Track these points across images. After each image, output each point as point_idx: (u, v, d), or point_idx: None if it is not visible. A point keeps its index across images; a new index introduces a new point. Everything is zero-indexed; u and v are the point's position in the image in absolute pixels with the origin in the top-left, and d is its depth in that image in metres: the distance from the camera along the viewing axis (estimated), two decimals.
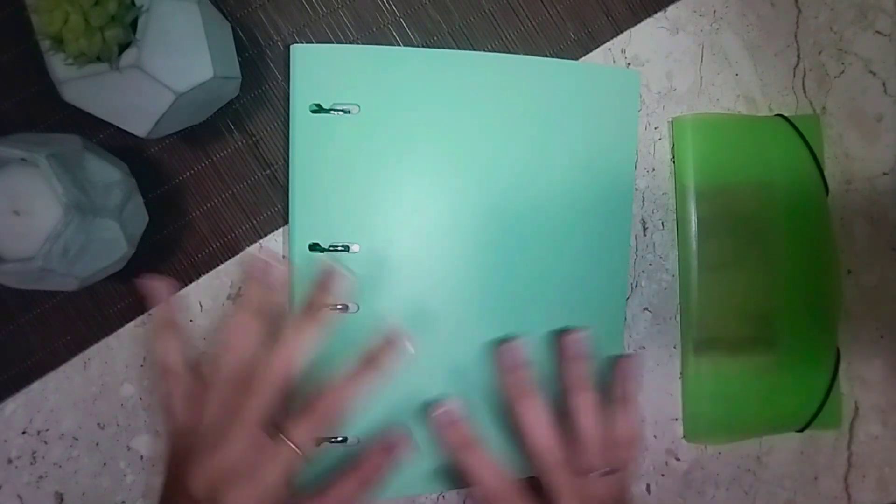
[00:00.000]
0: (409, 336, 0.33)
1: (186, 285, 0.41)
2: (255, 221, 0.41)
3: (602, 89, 0.43)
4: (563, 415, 0.34)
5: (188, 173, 0.41)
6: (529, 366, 0.33)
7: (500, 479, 0.32)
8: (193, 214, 0.41)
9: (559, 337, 0.34)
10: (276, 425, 0.29)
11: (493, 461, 0.32)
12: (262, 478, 0.28)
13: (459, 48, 0.43)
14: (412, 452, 0.35)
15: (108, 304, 0.40)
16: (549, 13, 0.44)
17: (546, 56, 0.44)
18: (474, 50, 0.43)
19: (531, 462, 0.33)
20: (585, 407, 0.33)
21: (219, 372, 0.31)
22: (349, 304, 0.39)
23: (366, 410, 0.39)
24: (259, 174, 0.41)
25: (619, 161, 0.44)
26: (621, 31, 0.45)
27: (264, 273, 0.33)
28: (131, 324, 0.40)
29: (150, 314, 0.40)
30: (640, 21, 0.45)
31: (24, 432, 0.40)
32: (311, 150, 0.38)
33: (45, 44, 0.30)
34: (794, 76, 0.47)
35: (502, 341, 0.34)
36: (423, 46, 0.43)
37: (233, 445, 0.28)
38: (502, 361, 0.33)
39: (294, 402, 0.30)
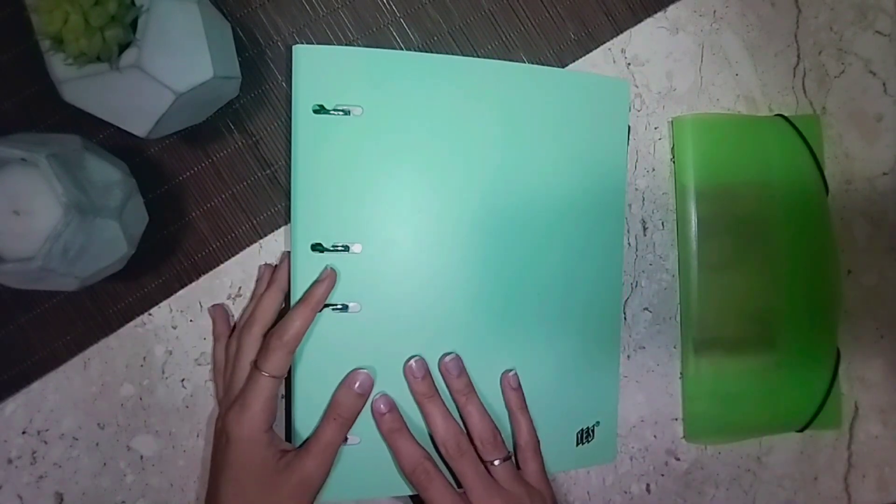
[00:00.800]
0: (333, 271, 0.38)
1: (186, 285, 0.41)
2: (255, 221, 0.41)
3: (593, 97, 0.43)
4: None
5: (188, 173, 0.41)
6: (429, 375, 0.39)
7: (421, 455, 0.38)
8: (193, 214, 0.41)
9: (439, 362, 0.40)
10: (255, 359, 0.36)
11: (415, 442, 0.38)
12: (245, 400, 0.35)
13: (459, 48, 0.43)
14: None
15: (108, 304, 0.40)
16: (549, 13, 0.44)
17: (546, 56, 0.44)
18: (474, 50, 0.43)
19: (439, 451, 0.39)
20: (471, 410, 0.39)
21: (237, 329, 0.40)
22: (350, 304, 0.39)
23: (366, 410, 0.39)
24: (259, 174, 0.41)
25: (612, 166, 0.44)
26: (621, 31, 0.45)
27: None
28: (131, 324, 0.40)
29: (149, 314, 0.41)
30: (640, 21, 0.45)
31: (24, 432, 0.40)
32: (314, 150, 0.38)
33: (45, 44, 0.30)
34: (794, 76, 0.47)
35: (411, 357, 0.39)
36: (423, 46, 0.43)
37: (234, 381, 0.37)
38: (408, 372, 0.39)
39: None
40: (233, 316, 0.41)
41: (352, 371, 0.38)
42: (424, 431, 0.40)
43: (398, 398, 0.40)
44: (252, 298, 0.41)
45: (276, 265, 0.41)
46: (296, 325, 0.36)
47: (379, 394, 0.39)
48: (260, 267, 0.42)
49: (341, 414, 0.37)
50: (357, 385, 0.38)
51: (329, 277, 0.38)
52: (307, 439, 0.37)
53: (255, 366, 0.36)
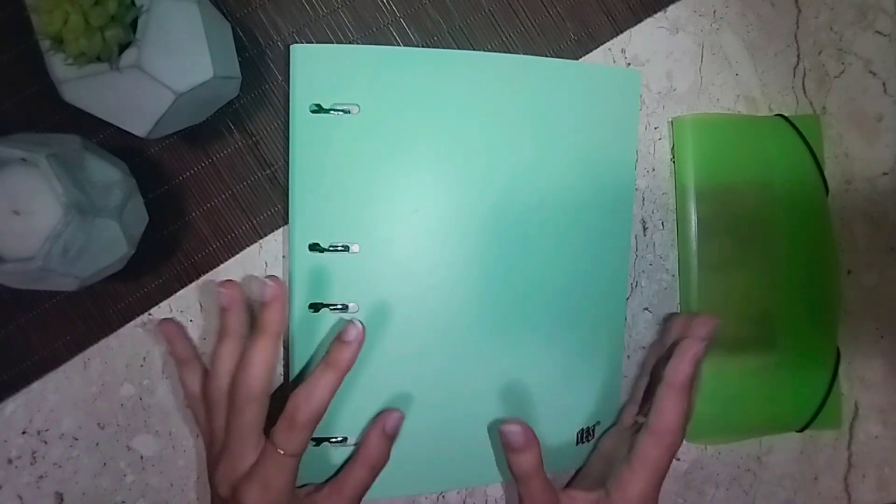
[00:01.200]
0: (356, 324, 0.34)
1: (186, 285, 0.41)
2: (255, 221, 0.41)
3: (602, 89, 0.43)
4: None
5: (188, 173, 0.41)
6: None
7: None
8: (193, 214, 0.41)
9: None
10: (274, 437, 0.32)
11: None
12: (267, 481, 0.31)
13: (459, 48, 0.43)
14: (392, 451, 0.37)
15: (108, 304, 0.40)
16: (549, 13, 0.44)
17: (546, 56, 0.44)
18: (474, 50, 0.43)
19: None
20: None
21: (210, 396, 0.35)
22: (349, 304, 0.39)
23: (366, 410, 0.39)
24: (259, 174, 0.41)
25: (620, 161, 0.44)
26: (621, 31, 0.45)
27: (231, 298, 0.35)
28: (131, 324, 0.40)
29: (149, 314, 0.41)
30: (640, 21, 0.45)
31: (24, 432, 0.40)
32: (311, 150, 0.38)
33: (45, 44, 0.30)
34: (794, 76, 0.47)
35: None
36: (423, 46, 0.43)
37: (238, 456, 0.33)
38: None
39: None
40: (186, 329, 0.40)
41: (386, 410, 0.37)
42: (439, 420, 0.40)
43: (398, 398, 0.40)
44: (225, 334, 0.35)
45: (257, 292, 0.36)
46: (324, 397, 0.32)
47: (511, 423, 0.35)
48: (220, 289, 0.36)
49: (373, 462, 0.35)
50: (388, 428, 0.36)
51: (357, 338, 0.33)
52: (335, 481, 0.36)
53: (273, 441, 0.32)
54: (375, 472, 0.36)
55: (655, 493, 0.36)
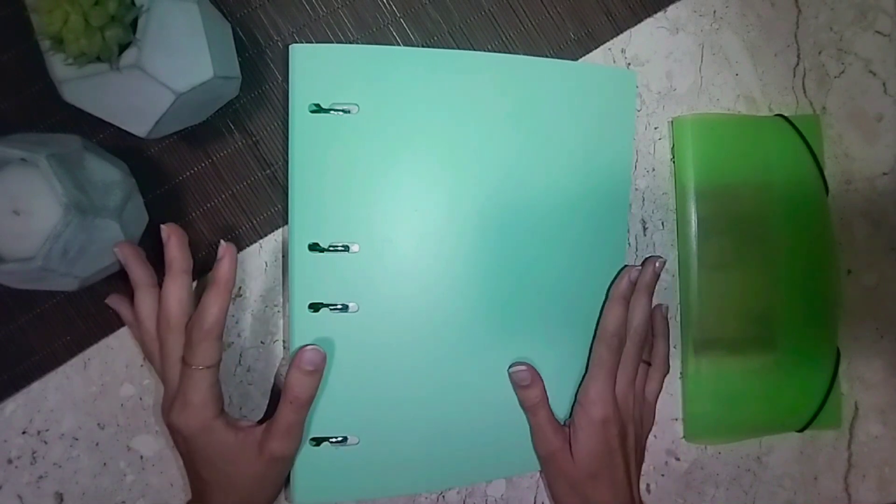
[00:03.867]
0: (230, 244, 0.36)
1: None
2: (255, 221, 0.41)
3: (599, 89, 0.43)
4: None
5: (188, 173, 0.41)
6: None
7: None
8: (193, 214, 0.41)
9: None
10: (183, 356, 0.35)
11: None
12: (186, 398, 0.35)
13: (459, 48, 0.43)
14: (392, 451, 0.39)
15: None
16: (549, 13, 0.44)
17: (546, 56, 0.44)
18: (474, 50, 0.43)
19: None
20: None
21: (147, 326, 0.37)
22: (349, 304, 0.39)
23: (366, 410, 0.39)
24: (259, 174, 0.41)
25: (617, 160, 0.44)
26: (621, 31, 0.45)
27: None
28: None
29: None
30: (640, 21, 0.45)
31: (24, 432, 0.40)
32: (311, 149, 0.38)
33: (45, 44, 0.30)
34: (794, 76, 0.47)
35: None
36: (423, 46, 0.43)
37: (169, 384, 0.36)
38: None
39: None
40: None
41: (299, 349, 0.37)
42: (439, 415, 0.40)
43: (399, 397, 0.40)
44: (142, 284, 0.37)
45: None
46: (213, 312, 0.34)
47: (518, 364, 0.41)
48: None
49: (296, 396, 0.36)
50: (305, 362, 0.36)
51: (228, 253, 0.36)
52: (268, 421, 0.37)
53: (185, 362, 0.35)
54: (301, 406, 0.37)
55: (612, 391, 0.41)
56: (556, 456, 0.41)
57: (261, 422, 0.37)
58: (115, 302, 0.38)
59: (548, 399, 0.41)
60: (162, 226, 0.36)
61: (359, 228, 0.39)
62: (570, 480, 0.41)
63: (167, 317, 0.35)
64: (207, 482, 0.36)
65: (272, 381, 0.42)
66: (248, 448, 0.36)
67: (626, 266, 0.43)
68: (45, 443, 0.40)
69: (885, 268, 0.49)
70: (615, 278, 0.43)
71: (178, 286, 0.36)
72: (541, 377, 0.41)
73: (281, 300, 0.42)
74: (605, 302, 0.43)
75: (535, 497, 0.45)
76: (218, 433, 0.35)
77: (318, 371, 0.37)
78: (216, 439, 0.35)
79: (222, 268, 0.35)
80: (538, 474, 0.45)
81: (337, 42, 0.42)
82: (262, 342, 0.42)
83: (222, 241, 0.36)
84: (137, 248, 0.37)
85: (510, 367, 0.42)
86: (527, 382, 0.41)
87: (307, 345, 0.37)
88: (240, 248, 0.41)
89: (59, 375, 0.40)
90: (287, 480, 0.39)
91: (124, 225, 0.34)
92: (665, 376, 0.44)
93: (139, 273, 0.37)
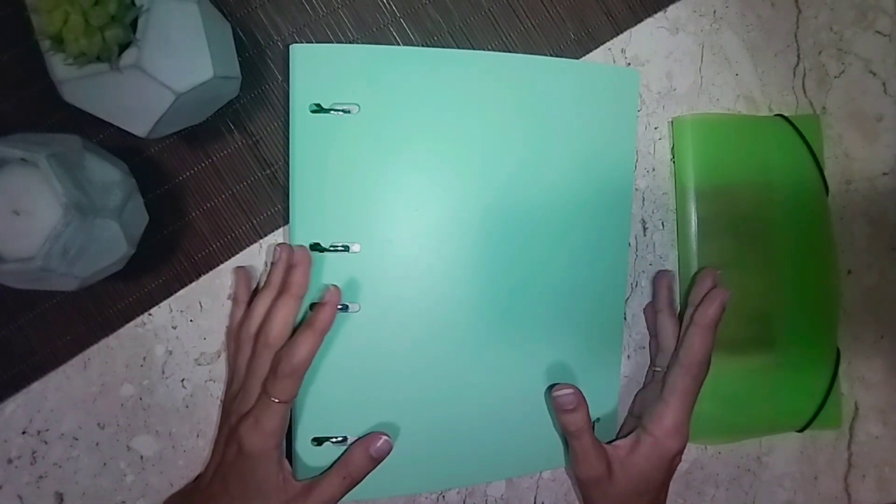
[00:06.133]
0: (337, 289, 0.37)
1: (186, 285, 0.41)
2: (255, 221, 0.41)
3: (601, 88, 0.43)
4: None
5: (188, 173, 0.41)
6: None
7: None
8: (193, 214, 0.41)
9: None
10: (265, 383, 0.36)
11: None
12: (259, 420, 0.35)
13: (459, 48, 0.43)
14: (392, 451, 0.39)
15: (108, 304, 0.40)
16: (549, 13, 0.44)
17: (546, 56, 0.44)
18: (474, 50, 0.43)
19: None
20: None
21: (240, 336, 0.38)
22: (350, 304, 0.39)
23: (366, 410, 0.39)
24: (259, 174, 0.41)
25: (619, 159, 0.44)
26: (621, 31, 0.45)
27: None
28: (131, 324, 0.40)
29: (149, 314, 0.40)
30: (640, 21, 0.45)
31: (24, 432, 0.40)
32: (311, 150, 0.38)
33: (45, 44, 0.30)
34: (794, 76, 0.47)
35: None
36: (423, 46, 0.43)
37: (249, 393, 0.36)
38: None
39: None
40: (254, 278, 0.41)
41: (372, 433, 0.38)
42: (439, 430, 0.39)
43: (399, 398, 0.40)
44: (267, 284, 0.38)
45: (287, 256, 0.38)
46: (303, 351, 0.35)
47: (562, 386, 0.39)
48: (276, 248, 0.38)
49: (350, 473, 0.37)
50: (374, 450, 0.37)
51: (332, 300, 0.36)
52: (313, 480, 0.37)
53: (265, 389, 0.35)
54: (350, 484, 0.37)
55: (688, 421, 0.39)
56: (601, 482, 0.40)
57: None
58: (240, 277, 0.40)
59: (591, 422, 0.39)
60: (284, 245, 0.38)
61: (359, 228, 0.39)
62: (613, 499, 0.40)
63: (268, 333, 0.36)
64: (230, 498, 0.36)
65: None
66: (284, 494, 0.36)
67: (713, 289, 0.41)
68: (45, 443, 0.40)
69: (885, 268, 0.49)
70: (689, 290, 0.42)
71: (289, 309, 0.36)
72: (585, 400, 0.39)
73: None
74: (683, 325, 0.41)
75: (535, 497, 0.45)
76: (269, 465, 0.36)
77: (379, 461, 0.38)
78: (263, 468, 0.36)
79: (324, 314, 0.36)
80: (538, 474, 0.45)
81: (337, 42, 0.42)
82: None
83: (331, 286, 0.37)
84: (251, 276, 0.40)
85: (552, 388, 0.40)
86: (572, 406, 0.39)
87: (382, 432, 0.38)
88: (240, 249, 0.41)
89: (59, 375, 0.40)
90: None
91: (124, 225, 0.34)
92: None
93: (242, 293, 0.39)
